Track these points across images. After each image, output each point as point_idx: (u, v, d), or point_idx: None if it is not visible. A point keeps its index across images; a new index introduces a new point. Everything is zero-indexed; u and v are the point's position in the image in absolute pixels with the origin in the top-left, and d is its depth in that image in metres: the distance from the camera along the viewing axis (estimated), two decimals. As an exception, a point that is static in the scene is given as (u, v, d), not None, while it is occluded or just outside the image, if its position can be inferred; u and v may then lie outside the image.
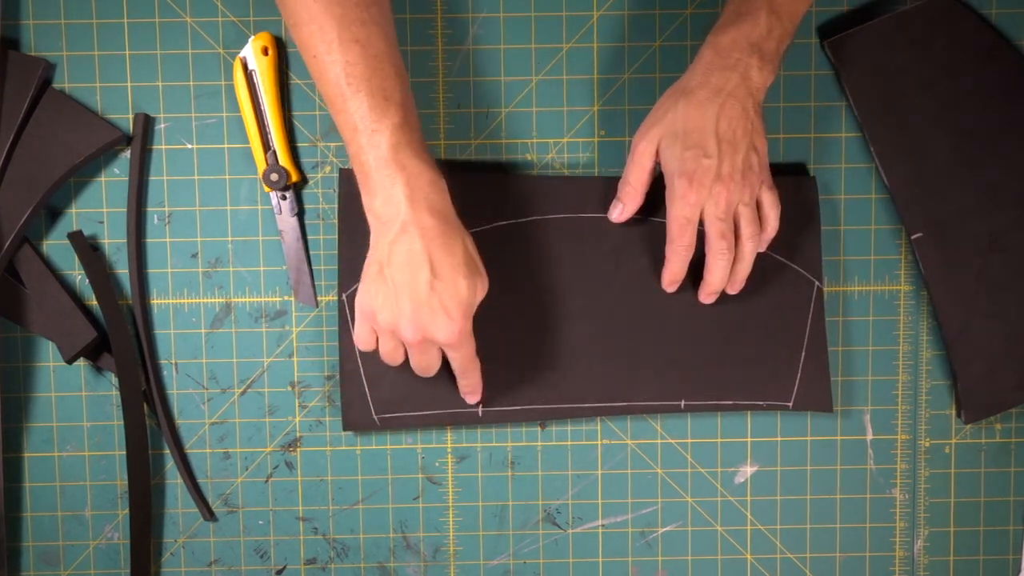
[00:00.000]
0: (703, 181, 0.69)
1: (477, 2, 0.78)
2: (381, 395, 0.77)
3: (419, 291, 0.66)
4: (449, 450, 0.80)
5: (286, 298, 0.79)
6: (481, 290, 0.68)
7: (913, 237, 0.78)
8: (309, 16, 0.64)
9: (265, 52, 0.76)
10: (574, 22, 0.78)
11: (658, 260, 0.76)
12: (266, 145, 0.76)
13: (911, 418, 0.81)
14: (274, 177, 0.75)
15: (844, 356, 0.80)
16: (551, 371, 0.77)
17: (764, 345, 0.78)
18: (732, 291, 0.75)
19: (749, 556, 0.81)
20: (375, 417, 0.77)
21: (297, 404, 0.80)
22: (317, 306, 0.79)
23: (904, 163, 0.78)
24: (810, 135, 0.79)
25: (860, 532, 0.81)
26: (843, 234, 0.80)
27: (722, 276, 0.73)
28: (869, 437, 0.81)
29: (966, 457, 0.81)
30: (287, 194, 0.77)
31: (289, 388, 0.79)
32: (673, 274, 0.74)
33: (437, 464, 0.80)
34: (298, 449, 0.80)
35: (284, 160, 0.75)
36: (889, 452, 0.81)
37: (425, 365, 0.70)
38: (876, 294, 0.80)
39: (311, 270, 0.78)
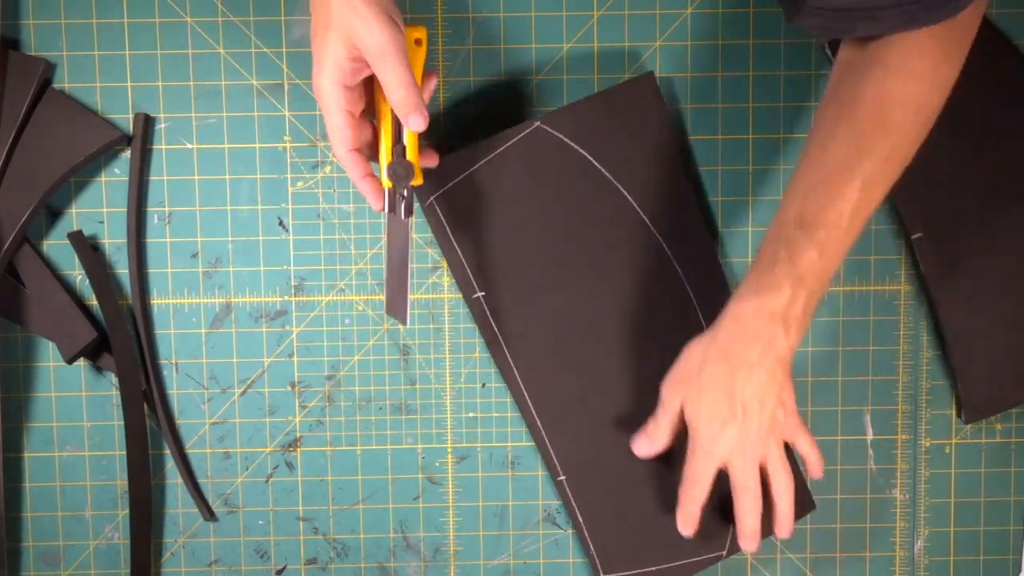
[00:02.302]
0: (726, 444, 0.69)
1: (477, 2, 0.78)
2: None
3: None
4: (449, 450, 0.80)
5: (286, 298, 0.79)
6: (367, 37, 0.62)
7: (913, 237, 0.78)
8: None
9: (418, 43, 0.69)
10: (574, 22, 0.78)
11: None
12: (397, 137, 0.68)
13: (911, 418, 0.81)
14: (400, 171, 0.68)
15: (844, 356, 0.80)
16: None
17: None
18: (782, 535, 0.73)
19: (749, 556, 0.81)
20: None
21: (297, 404, 0.80)
22: (407, 323, 0.73)
23: (904, 163, 0.78)
24: (810, 135, 0.79)
25: (860, 532, 0.81)
26: (843, 234, 0.80)
27: (751, 525, 0.71)
28: (869, 437, 0.81)
29: (966, 457, 0.81)
30: (406, 192, 0.68)
31: (289, 388, 0.79)
32: (687, 518, 0.72)
33: (437, 464, 0.80)
34: (298, 449, 0.80)
35: (412, 156, 0.69)
36: (889, 452, 0.81)
37: (329, 136, 0.66)
38: (876, 294, 0.80)
39: (408, 281, 0.71)
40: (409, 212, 0.69)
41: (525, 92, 0.78)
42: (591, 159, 0.77)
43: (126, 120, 0.78)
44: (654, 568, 0.77)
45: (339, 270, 0.79)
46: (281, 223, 0.79)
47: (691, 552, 0.77)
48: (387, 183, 0.68)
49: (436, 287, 0.79)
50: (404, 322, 0.71)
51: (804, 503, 0.78)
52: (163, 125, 0.78)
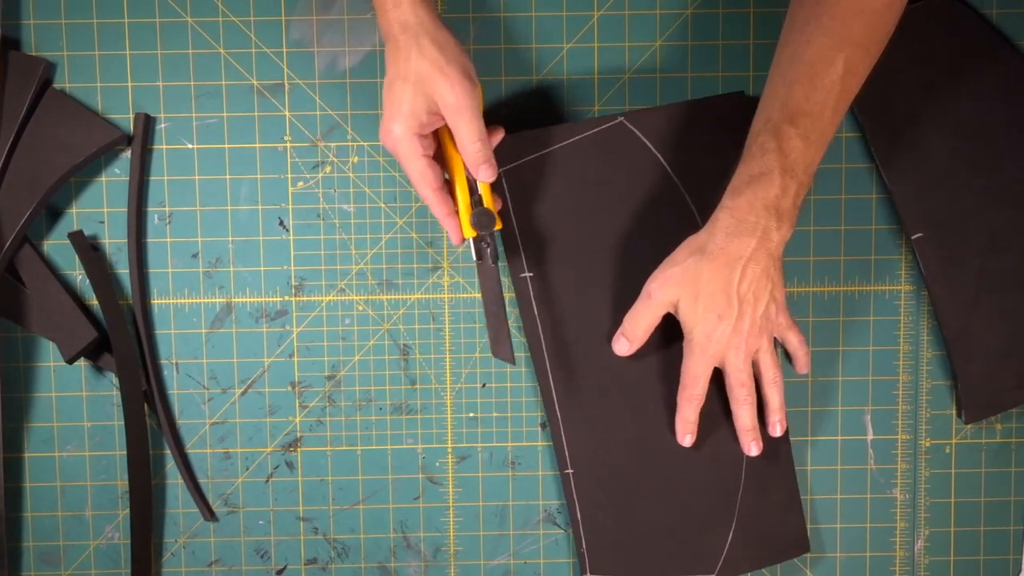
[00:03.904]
0: (721, 339, 0.71)
1: (477, 2, 0.78)
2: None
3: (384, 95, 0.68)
4: (450, 450, 0.80)
5: (286, 298, 0.79)
6: (447, 94, 0.66)
7: (913, 237, 0.78)
8: None
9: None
10: (574, 22, 0.78)
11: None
12: (472, 186, 0.71)
13: (911, 418, 0.81)
14: (484, 220, 0.71)
15: (844, 356, 0.80)
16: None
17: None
18: (774, 433, 0.76)
19: (749, 556, 0.81)
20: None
21: (297, 404, 0.80)
22: (514, 363, 0.76)
23: (904, 163, 0.78)
24: (810, 135, 0.79)
25: (860, 532, 0.81)
26: (843, 234, 0.80)
27: (748, 421, 0.75)
28: (870, 437, 0.81)
29: (966, 457, 0.81)
30: (490, 239, 0.72)
31: (289, 388, 0.79)
32: (684, 420, 0.75)
33: (438, 464, 0.80)
34: (298, 449, 0.80)
35: (488, 203, 0.72)
36: (890, 452, 0.81)
37: (412, 180, 0.69)
38: (876, 294, 0.80)
39: (508, 322, 0.74)
40: (495, 258, 0.73)
41: (525, 92, 0.78)
42: (666, 165, 0.77)
43: (126, 120, 0.78)
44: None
45: (339, 270, 0.79)
46: (281, 223, 0.79)
47: (681, 569, 0.77)
48: (471, 233, 0.71)
49: (436, 287, 0.80)
50: (511, 362, 0.75)
51: (799, 544, 0.79)
52: (163, 125, 0.78)
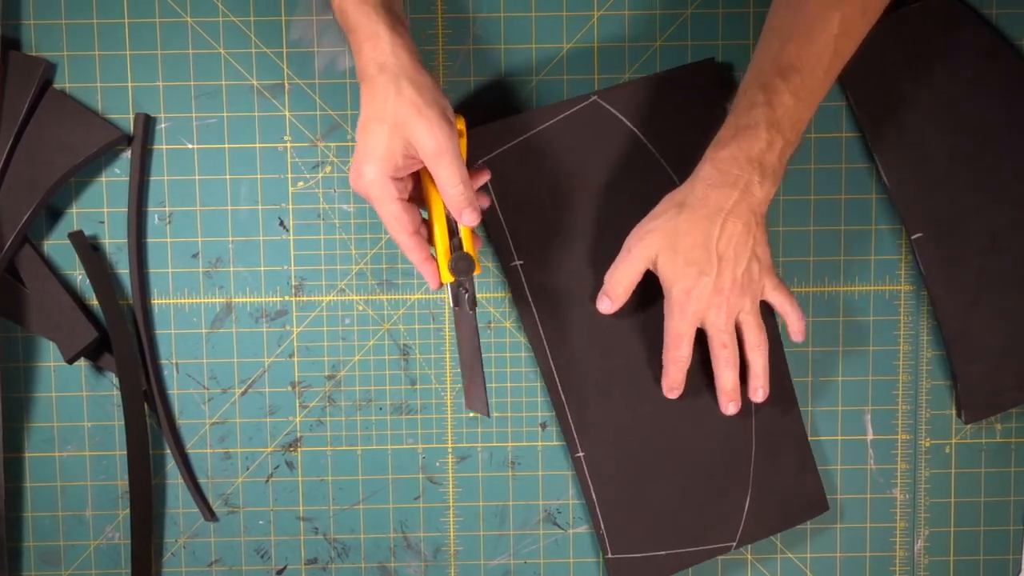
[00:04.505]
0: (701, 296, 0.70)
1: (477, 2, 0.78)
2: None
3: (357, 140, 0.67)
4: (450, 450, 0.80)
5: (286, 298, 0.79)
6: (426, 138, 0.64)
7: (913, 237, 0.78)
8: None
9: (459, 135, 0.69)
10: (574, 22, 0.78)
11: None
12: (451, 228, 0.70)
13: (911, 418, 0.81)
14: (462, 265, 0.70)
15: (844, 356, 0.80)
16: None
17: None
18: (755, 399, 0.75)
19: (749, 556, 0.81)
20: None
21: (298, 404, 0.80)
22: (490, 415, 0.77)
23: (904, 163, 0.78)
24: (810, 135, 0.79)
25: (860, 532, 0.81)
26: (843, 234, 0.80)
27: (729, 384, 0.74)
28: (869, 437, 0.81)
29: (966, 457, 0.81)
30: (468, 284, 0.71)
31: (290, 388, 0.80)
32: (671, 382, 0.75)
33: (438, 464, 0.80)
34: (299, 449, 0.80)
35: (468, 247, 0.70)
36: (889, 452, 0.81)
37: (386, 224, 0.68)
38: (876, 294, 0.80)
39: (483, 372, 0.73)
40: (473, 304, 0.71)
41: (525, 92, 0.79)
42: (643, 139, 0.76)
43: (126, 120, 0.78)
44: (663, 553, 0.77)
45: (339, 270, 0.79)
46: (281, 223, 0.79)
47: (701, 540, 0.77)
48: (449, 278, 0.70)
49: (436, 287, 0.80)
50: (487, 415, 0.74)
51: (817, 503, 0.78)
52: (163, 125, 0.78)
